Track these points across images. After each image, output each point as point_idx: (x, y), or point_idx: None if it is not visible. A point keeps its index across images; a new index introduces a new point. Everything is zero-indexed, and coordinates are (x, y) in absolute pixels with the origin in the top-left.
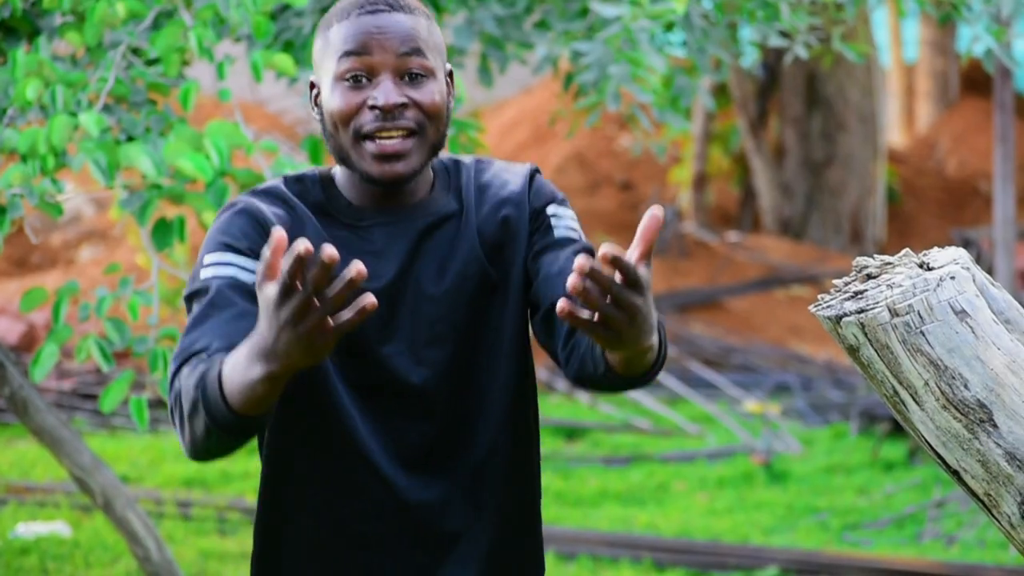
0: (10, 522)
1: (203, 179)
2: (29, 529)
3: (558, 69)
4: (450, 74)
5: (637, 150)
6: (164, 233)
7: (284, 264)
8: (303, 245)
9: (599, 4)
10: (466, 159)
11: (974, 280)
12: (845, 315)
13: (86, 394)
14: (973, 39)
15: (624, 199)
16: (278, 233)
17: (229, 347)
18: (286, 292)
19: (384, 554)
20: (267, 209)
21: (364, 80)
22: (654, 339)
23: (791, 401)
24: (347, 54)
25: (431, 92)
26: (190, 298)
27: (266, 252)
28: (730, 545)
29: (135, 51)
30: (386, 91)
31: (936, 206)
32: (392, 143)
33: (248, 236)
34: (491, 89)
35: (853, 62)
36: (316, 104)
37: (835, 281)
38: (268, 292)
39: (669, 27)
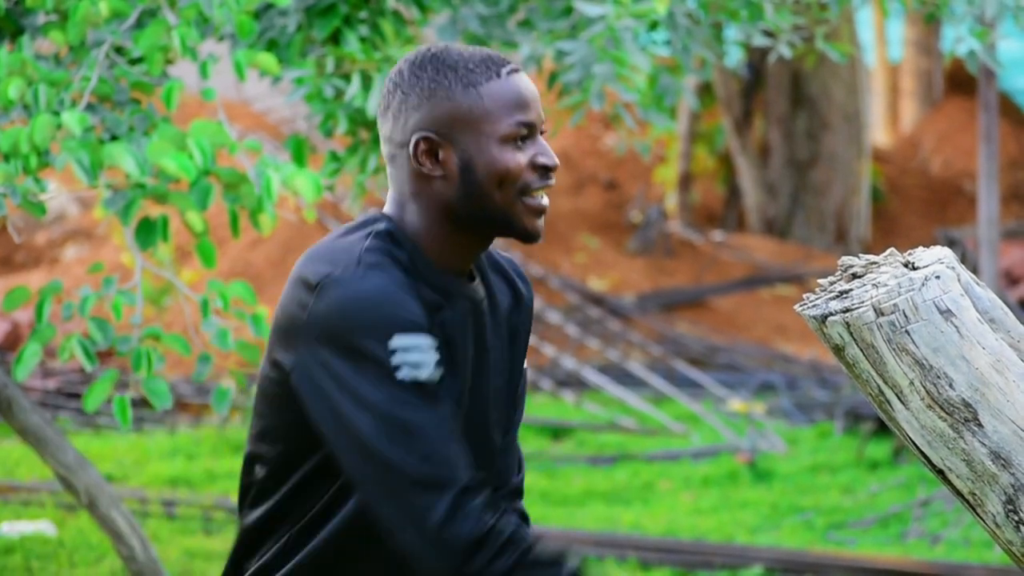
0: None
1: (187, 178)
2: (13, 528)
3: (542, 68)
4: None
5: (622, 149)
6: (148, 232)
7: None
8: None
9: (583, 3)
10: None
11: (959, 279)
12: (830, 314)
13: (70, 393)
14: (956, 40)
15: (609, 198)
16: None
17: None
18: None
19: None
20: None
21: (524, 140)
22: None
23: (776, 400)
24: (516, 113)
25: None
26: (403, 383)
27: None
28: (715, 544)
29: (118, 50)
30: (549, 150)
31: (921, 205)
32: (545, 200)
33: (420, 312)
34: None
35: (838, 61)
36: (429, 160)
37: (820, 280)
38: None
39: (653, 26)
